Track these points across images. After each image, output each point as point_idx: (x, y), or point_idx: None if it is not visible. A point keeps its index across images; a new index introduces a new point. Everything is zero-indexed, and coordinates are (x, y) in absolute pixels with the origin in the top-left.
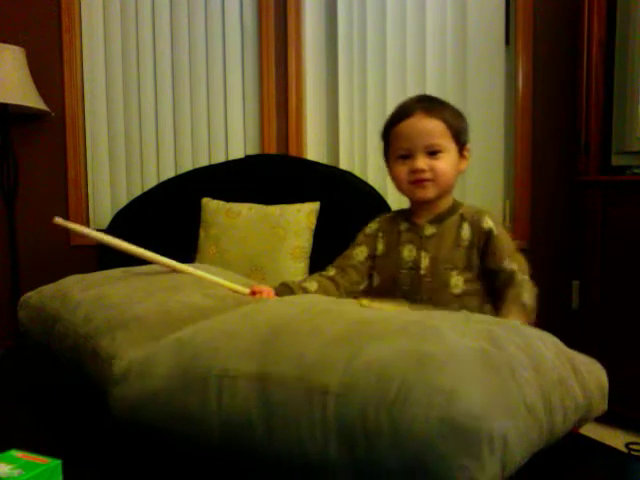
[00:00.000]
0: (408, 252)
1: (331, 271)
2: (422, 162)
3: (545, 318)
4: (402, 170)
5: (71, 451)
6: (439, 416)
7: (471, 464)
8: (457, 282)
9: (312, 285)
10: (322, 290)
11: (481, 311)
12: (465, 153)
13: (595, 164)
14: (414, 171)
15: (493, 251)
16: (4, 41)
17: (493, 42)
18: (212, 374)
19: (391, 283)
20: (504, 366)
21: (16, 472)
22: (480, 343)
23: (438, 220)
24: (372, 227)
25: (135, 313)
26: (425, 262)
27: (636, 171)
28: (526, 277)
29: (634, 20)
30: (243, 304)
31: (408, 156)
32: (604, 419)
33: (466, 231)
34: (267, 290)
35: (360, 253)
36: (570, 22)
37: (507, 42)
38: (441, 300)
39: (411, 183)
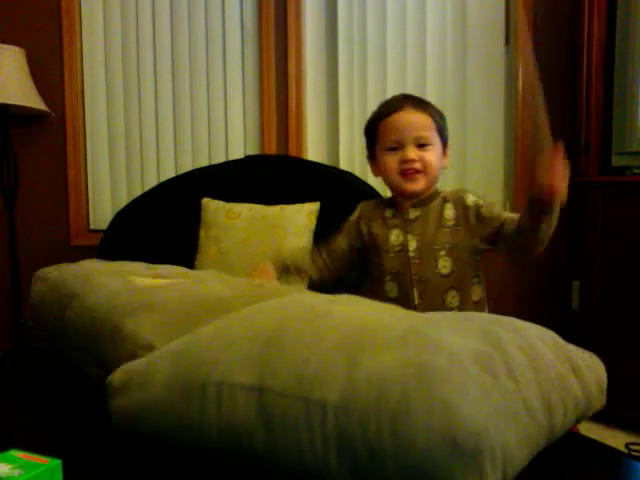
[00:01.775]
0: (395, 237)
1: (324, 253)
2: (413, 152)
3: (545, 318)
4: (392, 160)
5: (71, 451)
6: (440, 430)
7: (475, 477)
8: (445, 262)
9: (306, 264)
10: (317, 267)
11: (471, 291)
12: (446, 151)
13: (595, 165)
14: (405, 161)
15: (489, 217)
16: (4, 42)
17: (493, 42)
18: (211, 382)
19: (381, 267)
20: (503, 368)
21: (16, 472)
22: (479, 345)
23: (421, 204)
24: (354, 215)
25: (160, 297)
26: (413, 244)
27: (636, 171)
28: (511, 214)
29: (634, 20)
30: (258, 297)
31: (397, 148)
32: (604, 419)
33: (449, 211)
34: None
35: (341, 242)
36: (570, 22)
37: (507, 42)
38: (430, 280)
39: (401, 174)
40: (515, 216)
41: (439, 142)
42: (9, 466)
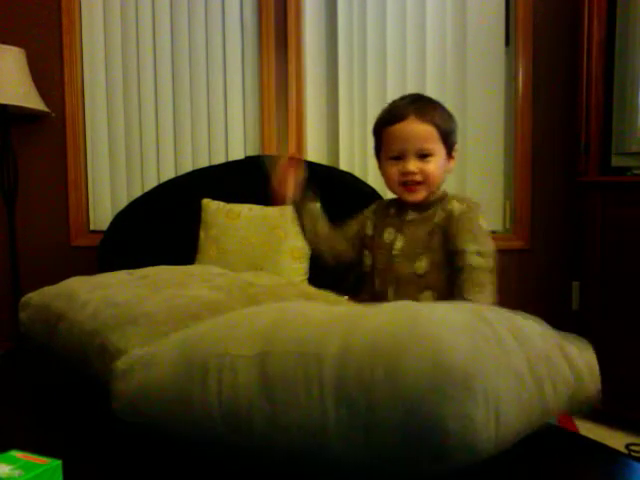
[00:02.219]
0: (388, 235)
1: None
2: (413, 165)
3: (545, 318)
4: (393, 170)
5: (71, 451)
6: (431, 373)
7: (465, 414)
8: (422, 263)
9: (323, 229)
10: (331, 237)
11: (450, 292)
12: (453, 153)
13: (595, 165)
14: (405, 173)
15: (452, 232)
16: (4, 42)
17: (493, 42)
18: (213, 355)
19: (371, 263)
20: (491, 336)
21: (16, 472)
22: (468, 318)
23: (421, 208)
24: (370, 208)
25: (144, 309)
26: (399, 244)
27: (636, 172)
28: (481, 260)
29: (634, 20)
30: (249, 296)
31: (399, 158)
32: (604, 419)
33: (439, 217)
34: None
35: (352, 228)
36: (570, 22)
37: (507, 42)
38: (405, 278)
39: (401, 185)
40: (466, 249)
41: (442, 150)
42: (9, 466)
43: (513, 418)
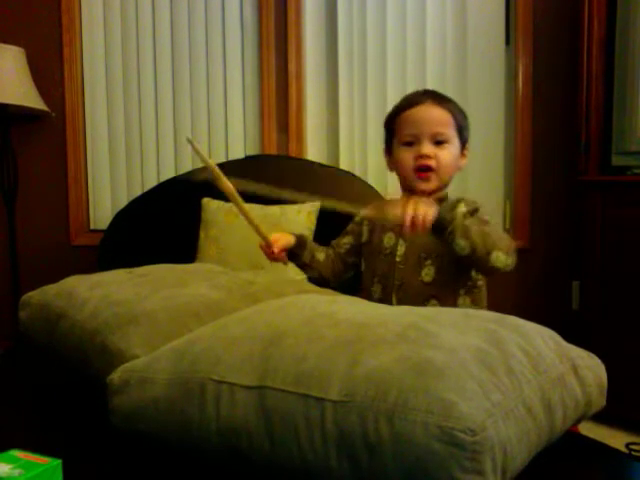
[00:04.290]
0: (388, 239)
1: (331, 251)
2: (428, 148)
3: (545, 318)
4: (407, 156)
5: (71, 451)
6: (437, 428)
7: (474, 469)
8: (429, 271)
9: (321, 256)
10: (330, 261)
11: (455, 301)
12: (465, 151)
13: (595, 164)
14: (420, 156)
15: None
16: (4, 41)
17: (493, 42)
18: (210, 381)
19: (371, 268)
20: (503, 366)
21: (16, 472)
22: (479, 343)
23: None
24: (359, 216)
25: (144, 309)
26: (401, 249)
27: (636, 171)
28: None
29: (634, 20)
30: (249, 294)
31: (413, 143)
32: (604, 419)
33: None
34: (284, 240)
35: (346, 243)
36: (570, 22)
37: (507, 41)
38: (411, 286)
39: (415, 171)
40: None
41: (457, 141)
42: (9, 466)
43: (521, 457)
